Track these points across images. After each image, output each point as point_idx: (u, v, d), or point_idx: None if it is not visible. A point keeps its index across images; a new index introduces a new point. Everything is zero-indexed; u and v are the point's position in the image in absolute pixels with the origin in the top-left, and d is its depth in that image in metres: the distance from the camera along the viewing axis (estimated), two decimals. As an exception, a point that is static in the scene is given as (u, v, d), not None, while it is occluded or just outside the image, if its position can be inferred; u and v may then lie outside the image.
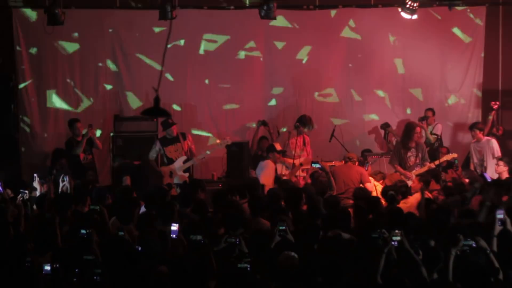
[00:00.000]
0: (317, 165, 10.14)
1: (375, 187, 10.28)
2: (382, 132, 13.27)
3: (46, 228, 7.05)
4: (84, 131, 12.03)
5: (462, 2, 13.28)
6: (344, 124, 13.28)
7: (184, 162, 11.52)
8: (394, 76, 13.70)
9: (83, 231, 6.62)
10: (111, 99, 13.11)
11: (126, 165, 11.88)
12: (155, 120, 12.38)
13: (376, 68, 13.63)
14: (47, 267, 5.68)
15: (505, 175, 10.67)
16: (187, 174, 11.47)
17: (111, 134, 12.53)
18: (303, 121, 11.55)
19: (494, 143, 11.99)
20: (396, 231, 6.26)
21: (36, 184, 9.60)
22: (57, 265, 5.72)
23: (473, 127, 12.19)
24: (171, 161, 11.57)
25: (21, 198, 8.46)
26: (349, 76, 13.60)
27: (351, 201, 9.59)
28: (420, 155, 11.19)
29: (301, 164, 11.27)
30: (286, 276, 5.97)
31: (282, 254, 6.21)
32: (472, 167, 11.95)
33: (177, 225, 6.93)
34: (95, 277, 5.58)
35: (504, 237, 6.74)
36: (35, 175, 9.87)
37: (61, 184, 9.48)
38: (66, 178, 9.39)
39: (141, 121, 12.40)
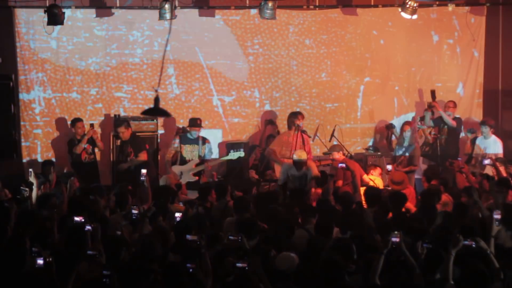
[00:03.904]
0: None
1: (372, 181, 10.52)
2: (385, 132, 13.29)
3: (43, 226, 7.06)
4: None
5: (462, 2, 13.29)
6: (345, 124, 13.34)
7: (197, 165, 11.50)
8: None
9: (88, 227, 6.65)
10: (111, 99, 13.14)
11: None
12: (155, 120, 12.40)
13: (378, 69, 13.64)
14: (40, 261, 5.65)
15: (503, 174, 10.65)
16: (196, 178, 11.38)
17: (112, 134, 12.52)
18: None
19: (500, 144, 11.98)
20: (395, 232, 6.25)
21: (32, 179, 9.59)
22: (50, 259, 5.68)
23: (484, 123, 12.10)
24: (184, 161, 11.57)
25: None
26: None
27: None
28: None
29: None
30: (284, 277, 5.98)
31: (280, 255, 6.21)
32: (473, 162, 11.91)
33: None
34: (104, 279, 5.49)
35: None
36: (30, 170, 9.87)
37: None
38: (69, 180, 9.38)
39: (141, 121, 12.39)
